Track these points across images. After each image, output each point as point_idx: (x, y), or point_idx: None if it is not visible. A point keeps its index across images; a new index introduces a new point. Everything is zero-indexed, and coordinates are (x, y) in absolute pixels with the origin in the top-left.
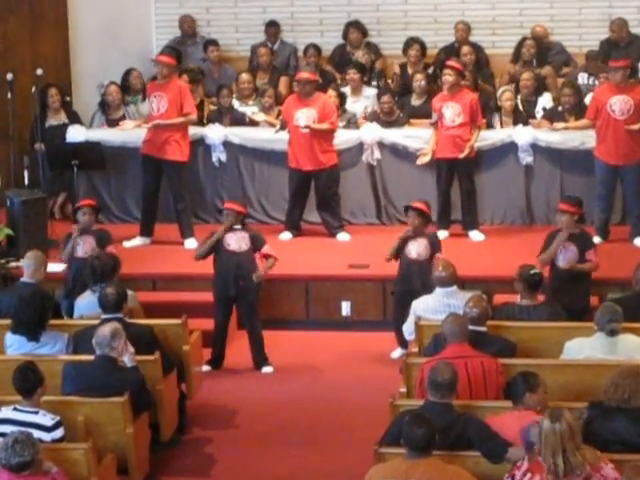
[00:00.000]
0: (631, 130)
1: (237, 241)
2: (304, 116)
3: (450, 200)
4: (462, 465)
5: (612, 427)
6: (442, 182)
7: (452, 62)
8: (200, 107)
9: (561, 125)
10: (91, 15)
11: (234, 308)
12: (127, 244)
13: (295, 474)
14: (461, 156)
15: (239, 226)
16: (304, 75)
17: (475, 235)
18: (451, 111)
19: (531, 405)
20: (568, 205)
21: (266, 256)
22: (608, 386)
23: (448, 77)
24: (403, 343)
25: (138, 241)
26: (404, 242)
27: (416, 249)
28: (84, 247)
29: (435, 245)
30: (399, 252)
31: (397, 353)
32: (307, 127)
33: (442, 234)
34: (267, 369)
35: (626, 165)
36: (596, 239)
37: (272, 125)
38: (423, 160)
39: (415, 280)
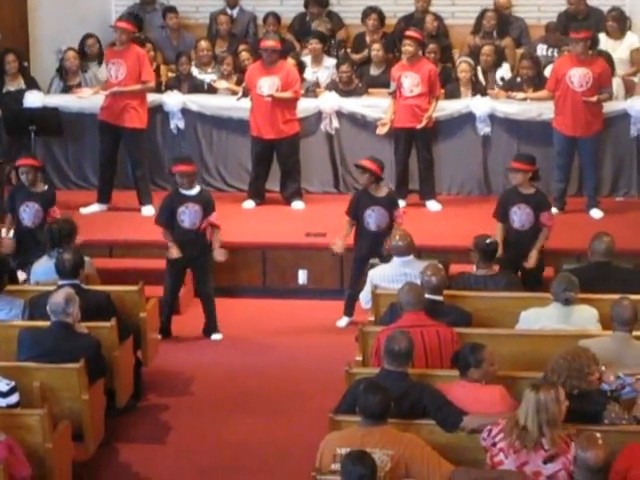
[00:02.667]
0: (589, 102)
1: (190, 217)
2: (267, 84)
3: (408, 170)
4: (417, 433)
5: None
6: (400, 152)
7: (411, 32)
8: (156, 73)
9: (521, 95)
10: None
11: (185, 278)
12: (84, 210)
13: (250, 442)
14: (419, 127)
15: (194, 191)
16: (269, 43)
17: (432, 205)
18: (410, 81)
19: (476, 379)
20: (521, 163)
21: (212, 225)
22: (550, 368)
23: (408, 47)
24: (349, 310)
25: (95, 207)
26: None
27: (374, 220)
28: (30, 215)
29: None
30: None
31: (343, 322)
32: (270, 96)
33: (400, 204)
34: (216, 336)
35: (583, 136)
36: (553, 210)
37: (234, 92)
38: (382, 130)
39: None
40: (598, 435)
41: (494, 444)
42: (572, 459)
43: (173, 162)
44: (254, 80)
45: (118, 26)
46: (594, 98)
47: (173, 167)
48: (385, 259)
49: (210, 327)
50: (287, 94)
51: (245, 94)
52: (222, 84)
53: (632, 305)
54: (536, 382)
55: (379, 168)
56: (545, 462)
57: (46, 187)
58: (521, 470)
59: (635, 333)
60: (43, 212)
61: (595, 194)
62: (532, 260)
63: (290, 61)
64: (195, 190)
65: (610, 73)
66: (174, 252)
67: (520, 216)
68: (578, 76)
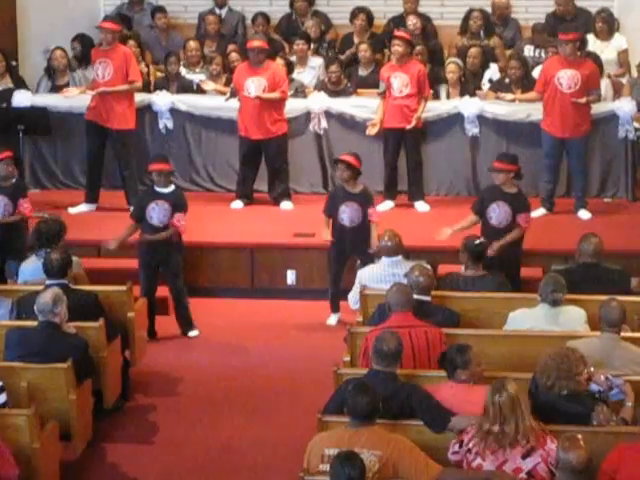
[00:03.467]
0: (578, 103)
1: (158, 214)
2: (254, 85)
3: (397, 170)
4: (405, 434)
5: (547, 402)
6: (389, 152)
7: (401, 32)
8: (145, 73)
9: (509, 96)
10: None
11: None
12: (72, 210)
13: (238, 442)
14: (408, 127)
15: (167, 190)
16: (256, 43)
17: (420, 206)
18: (399, 81)
19: (464, 380)
20: (503, 163)
21: (173, 225)
22: (539, 368)
23: (398, 48)
24: (335, 307)
25: (83, 207)
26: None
27: (348, 215)
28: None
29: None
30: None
31: (333, 319)
32: (258, 97)
33: (388, 204)
34: (193, 333)
35: (572, 137)
36: (541, 211)
37: (222, 93)
38: (372, 131)
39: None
40: (579, 436)
41: (469, 451)
42: (549, 452)
43: (150, 161)
44: (241, 81)
45: (103, 26)
46: (583, 100)
47: (149, 165)
48: (366, 258)
49: (185, 325)
50: (274, 95)
51: (233, 95)
52: (209, 85)
53: (620, 306)
54: (494, 385)
55: (359, 163)
56: (524, 457)
57: (13, 180)
58: (501, 470)
59: (625, 334)
60: (12, 205)
61: (583, 195)
62: (495, 247)
63: (279, 61)
64: (169, 189)
65: (599, 74)
66: (110, 243)
67: (498, 214)
68: (567, 78)
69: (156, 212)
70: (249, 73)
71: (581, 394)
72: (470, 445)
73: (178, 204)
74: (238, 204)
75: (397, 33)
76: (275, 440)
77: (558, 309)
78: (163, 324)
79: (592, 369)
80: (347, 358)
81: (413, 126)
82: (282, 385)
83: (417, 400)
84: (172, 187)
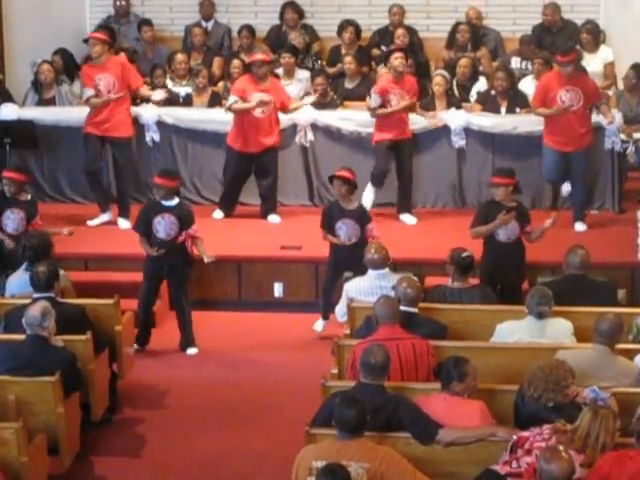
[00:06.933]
0: (581, 117)
1: (165, 228)
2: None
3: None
4: (393, 446)
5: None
6: (381, 164)
7: (399, 46)
8: None
9: (432, 114)
10: None
11: (162, 291)
12: (91, 223)
13: (226, 455)
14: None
15: (172, 202)
16: (259, 57)
17: (407, 218)
18: (398, 98)
19: (458, 392)
20: (501, 177)
21: (192, 237)
22: (527, 379)
23: (402, 60)
24: (325, 314)
25: (102, 218)
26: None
27: (345, 232)
28: (14, 222)
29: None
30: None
31: (319, 325)
32: (292, 109)
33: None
34: (192, 350)
35: (576, 151)
36: None
37: (265, 104)
38: (436, 122)
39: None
40: (561, 447)
41: (540, 433)
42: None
43: (157, 173)
44: (248, 95)
45: (93, 37)
46: (608, 118)
47: (155, 178)
48: (361, 272)
49: (186, 341)
50: (307, 100)
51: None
52: (256, 97)
53: (612, 319)
54: (597, 406)
55: (354, 177)
56: (581, 465)
57: (29, 197)
58: None
59: (623, 346)
60: (26, 222)
61: (582, 207)
62: (550, 220)
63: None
64: (174, 202)
65: (597, 85)
66: (152, 250)
67: (505, 229)
68: (570, 95)
69: (162, 225)
70: (255, 88)
71: (567, 406)
72: (545, 432)
73: (187, 217)
74: (219, 214)
75: (396, 47)
76: (263, 453)
77: (544, 321)
78: (151, 337)
79: (577, 388)
80: (335, 371)
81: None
82: (269, 397)
83: (405, 412)
84: (176, 199)
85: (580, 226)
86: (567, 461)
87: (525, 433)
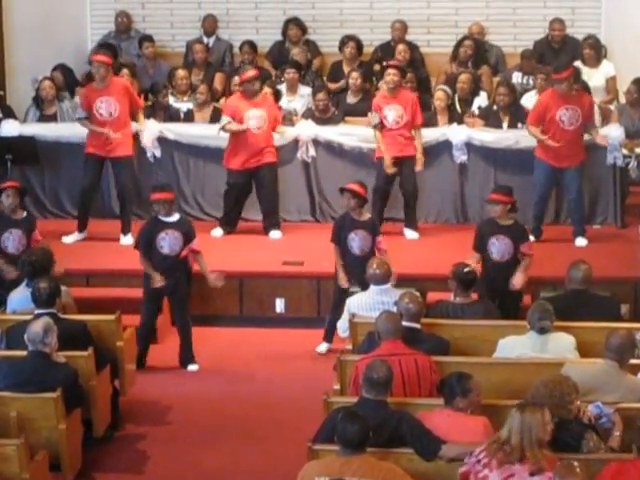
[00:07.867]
0: (575, 135)
1: (169, 243)
2: (256, 117)
3: (387, 200)
4: (396, 462)
5: None
6: (382, 181)
7: (395, 62)
8: None
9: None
10: (25, 9)
11: (163, 307)
12: (66, 239)
13: (228, 471)
14: (418, 169)
15: (174, 218)
16: (250, 73)
17: (409, 233)
18: (394, 113)
19: (461, 408)
20: (500, 195)
21: (193, 251)
22: (530, 395)
23: (394, 77)
24: (329, 337)
25: (77, 236)
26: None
27: (357, 244)
28: (14, 242)
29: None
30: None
31: (323, 347)
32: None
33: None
34: (192, 367)
35: (570, 167)
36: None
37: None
38: (392, 170)
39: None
40: (576, 463)
41: (478, 461)
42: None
43: (152, 190)
44: (240, 113)
45: (96, 59)
46: (601, 139)
47: (151, 195)
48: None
49: (186, 357)
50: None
51: (224, 128)
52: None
53: (622, 335)
54: (523, 402)
55: (365, 191)
56: (532, 474)
57: (25, 214)
58: None
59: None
60: (26, 238)
61: (582, 222)
62: (518, 279)
63: (266, 89)
64: (175, 217)
65: (592, 106)
66: (157, 281)
67: (499, 247)
68: (568, 114)
69: (167, 241)
70: (247, 106)
71: (571, 422)
72: (480, 456)
73: (189, 231)
74: (218, 232)
75: (391, 62)
76: (265, 469)
77: (547, 336)
78: (153, 353)
79: (581, 404)
80: (337, 386)
81: (421, 164)
82: (271, 413)
83: (408, 428)
84: (177, 215)
85: (581, 241)
86: (581, 477)
87: (463, 468)
